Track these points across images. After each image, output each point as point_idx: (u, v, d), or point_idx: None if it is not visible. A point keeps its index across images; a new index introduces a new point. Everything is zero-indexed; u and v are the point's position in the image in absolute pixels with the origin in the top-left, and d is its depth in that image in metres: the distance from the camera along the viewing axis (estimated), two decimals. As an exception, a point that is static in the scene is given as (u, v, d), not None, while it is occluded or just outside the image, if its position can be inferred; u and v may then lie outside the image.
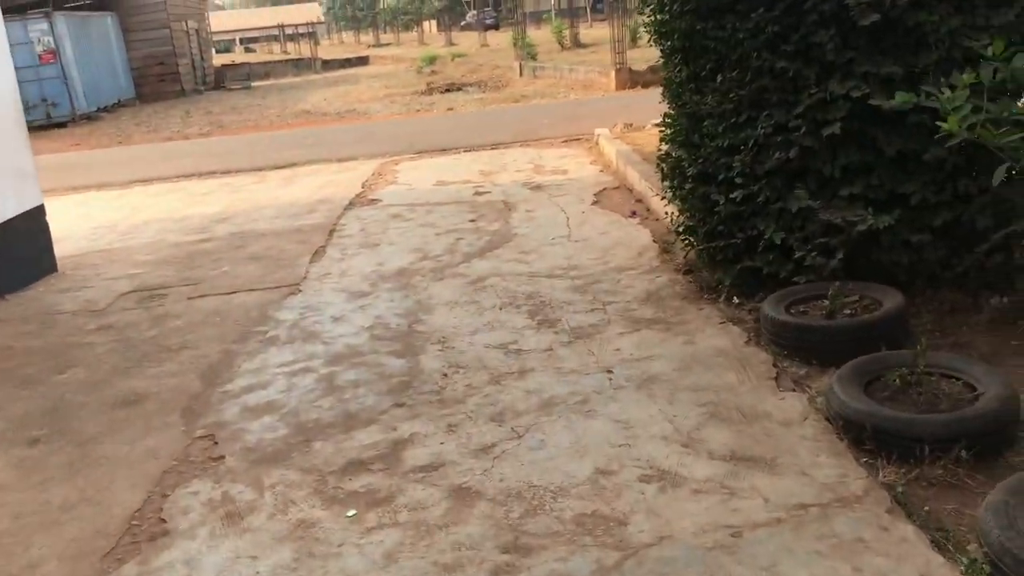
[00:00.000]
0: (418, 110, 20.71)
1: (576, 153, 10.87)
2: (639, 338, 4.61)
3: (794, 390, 3.82)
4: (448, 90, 25.45)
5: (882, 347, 3.77)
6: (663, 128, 5.62)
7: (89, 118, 26.03)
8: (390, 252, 6.88)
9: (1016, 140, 3.51)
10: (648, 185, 7.55)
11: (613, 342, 4.58)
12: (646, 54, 24.74)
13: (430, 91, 25.32)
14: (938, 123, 3.53)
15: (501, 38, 44.63)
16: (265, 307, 5.74)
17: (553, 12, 45.91)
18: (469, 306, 5.39)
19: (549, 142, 11.98)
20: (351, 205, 8.84)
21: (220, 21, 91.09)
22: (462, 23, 75.22)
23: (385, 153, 12.22)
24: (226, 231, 8.23)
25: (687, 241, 5.36)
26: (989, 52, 3.53)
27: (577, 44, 30.29)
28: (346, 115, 20.91)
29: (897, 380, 3.43)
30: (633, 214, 7.35)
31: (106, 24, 29.58)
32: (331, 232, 7.68)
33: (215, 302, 5.98)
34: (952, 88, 3.54)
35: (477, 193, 8.89)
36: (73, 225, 9.38)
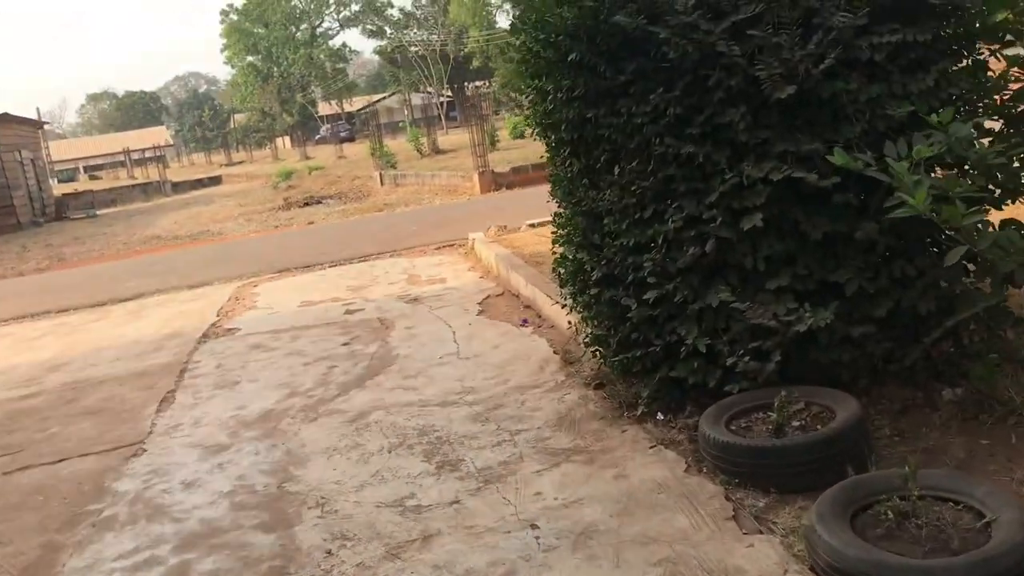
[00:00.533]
0: (276, 226, 19.82)
1: (452, 260, 10.24)
2: (561, 475, 3.88)
3: (760, 531, 3.15)
4: (307, 203, 24.71)
5: (847, 466, 3.20)
6: (555, 229, 5.04)
7: (-89, 261, 23.76)
8: (252, 391, 5.95)
9: (974, 221, 3.07)
10: (537, 290, 6.96)
11: (531, 484, 3.83)
12: (507, 155, 24.82)
13: (288, 206, 24.50)
14: (897, 195, 3.05)
15: (358, 149, 44.43)
16: (101, 476, 4.70)
17: (408, 122, 46.24)
18: (351, 452, 4.54)
19: (421, 250, 11.34)
20: (205, 338, 7.84)
21: (61, 149, 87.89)
22: (316, 137, 75.10)
23: (243, 275, 11.25)
24: (58, 381, 7.08)
25: (596, 352, 4.73)
26: (934, 119, 3.11)
27: (436, 151, 30.24)
28: (199, 237, 19.75)
29: (890, 512, 2.82)
30: (524, 322, 6.70)
31: (-73, 158, 27.49)
32: (182, 372, 6.66)
33: (38, 475, 4.89)
34: (901, 158, 3.08)
35: (348, 312, 8.08)
36: None
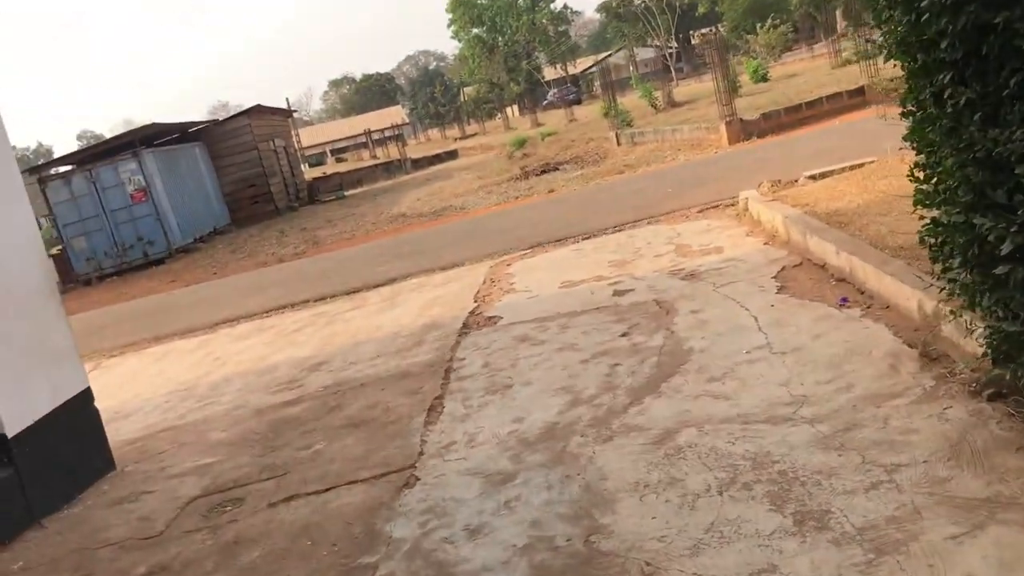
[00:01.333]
0: (517, 197, 19.29)
1: (722, 224, 9.01)
2: (995, 547, 2.68)
3: None
4: (544, 171, 24.09)
5: None
6: (919, 183, 3.75)
7: (186, 251, 25.68)
8: (528, 397, 5.12)
9: None
10: (856, 259, 5.62)
11: (952, 560, 2.66)
12: (753, 102, 22.86)
13: (525, 175, 24.00)
14: None
15: (587, 111, 43.53)
16: (372, 515, 4.03)
17: (635, 77, 44.56)
18: (668, 491, 3.56)
19: (682, 214, 10.18)
20: (466, 328, 7.18)
21: (309, 135, 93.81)
22: (543, 103, 75.05)
23: (493, 253, 10.63)
24: (319, 383, 6.66)
25: (1001, 352, 3.43)
26: None
27: (671, 104, 28.67)
28: (443, 213, 19.64)
29: None
30: (844, 302, 5.42)
31: (194, 154, 29.60)
32: (447, 373, 5.99)
33: (305, 511, 4.31)
34: None
35: (617, 293, 7.11)
36: (146, 391, 8.03)
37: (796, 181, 9.68)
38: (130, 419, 7.13)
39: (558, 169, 24.12)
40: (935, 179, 3.63)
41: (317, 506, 4.31)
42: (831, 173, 9.50)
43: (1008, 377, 3.47)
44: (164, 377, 8.53)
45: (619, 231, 10.18)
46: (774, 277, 6.42)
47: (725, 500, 3.36)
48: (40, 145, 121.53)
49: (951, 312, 3.85)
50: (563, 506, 3.66)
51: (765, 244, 7.58)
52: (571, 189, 17.71)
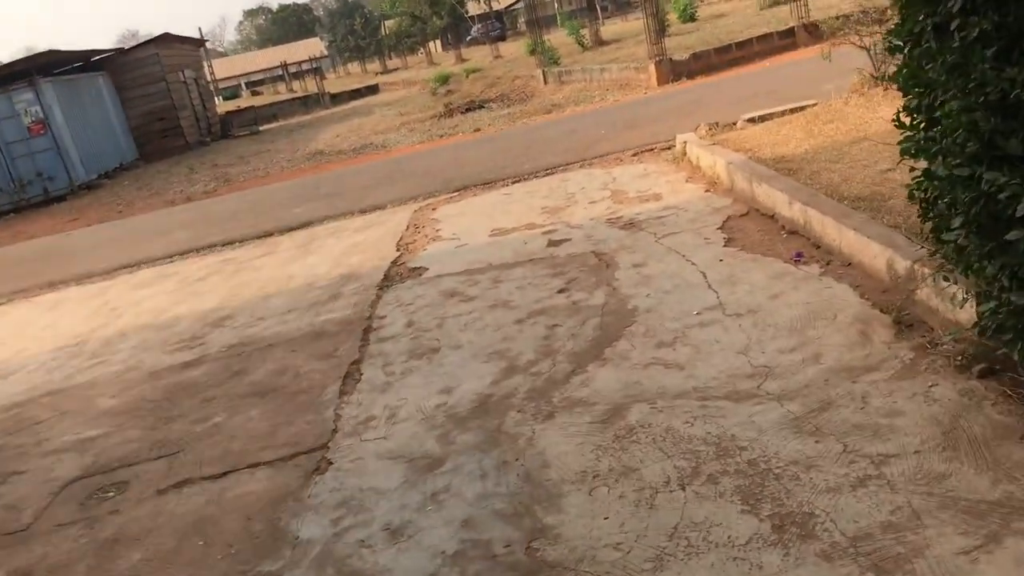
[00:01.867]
0: (441, 136, 18.53)
1: (660, 169, 8.52)
2: (1011, 561, 2.27)
3: None
4: (469, 109, 23.28)
5: None
6: (908, 130, 3.28)
7: (89, 187, 24.15)
8: (457, 363, 4.58)
9: None
10: (812, 211, 5.18)
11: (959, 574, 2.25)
12: (682, 42, 22.35)
13: (450, 112, 23.17)
14: None
15: (513, 48, 42.52)
16: (276, 509, 3.47)
17: (558, 16, 43.63)
18: (622, 483, 3.08)
19: (616, 158, 9.66)
20: (388, 281, 6.57)
21: (223, 67, 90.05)
22: (467, 39, 73.34)
23: (417, 196, 9.97)
24: (223, 341, 6.00)
25: (999, 326, 3.01)
26: None
27: (599, 42, 27.95)
28: (363, 151, 18.77)
29: None
30: (798, 257, 5.00)
31: (98, 85, 27.77)
32: (366, 333, 5.39)
33: (198, 500, 3.71)
34: None
35: (552, 243, 6.59)
36: (32, 347, 7.23)
37: (735, 124, 9.25)
38: (9, 380, 6.37)
39: (483, 107, 23.35)
40: (929, 125, 3.16)
41: (213, 495, 3.71)
42: (771, 116, 9.10)
43: (1007, 353, 3.06)
44: (54, 330, 7.72)
45: (551, 174, 9.62)
46: (719, 228, 5.98)
47: (689, 497, 2.90)
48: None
49: (935, 276, 3.43)
50: (500, 500, 3.15)
51: (707, 192, 7.13)
52: (499, 129, 17.03)
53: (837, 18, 9.35)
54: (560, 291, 5.37)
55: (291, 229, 9.87)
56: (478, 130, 18.11)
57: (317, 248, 8.50)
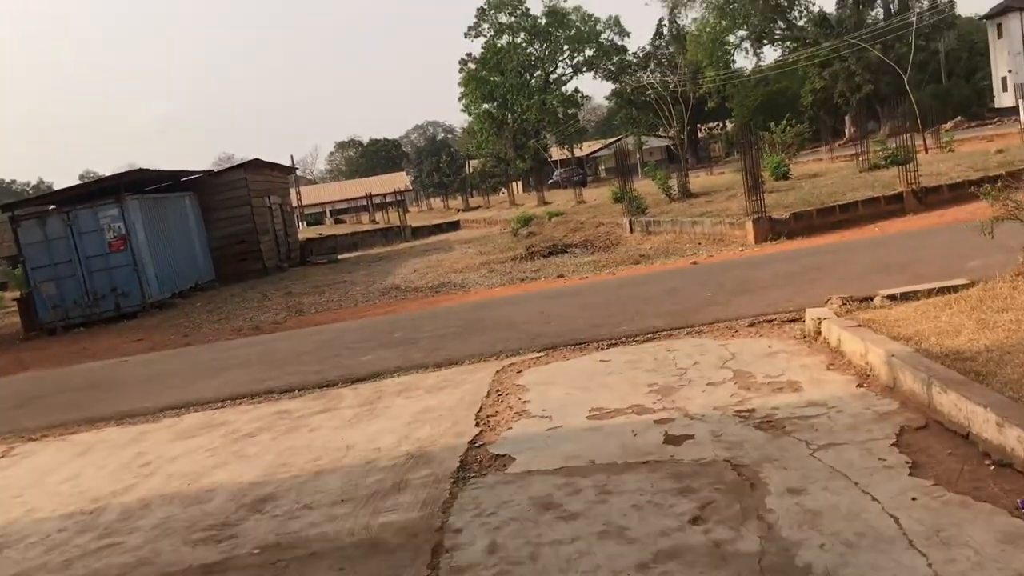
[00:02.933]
0: (523, 280, 17.68)
1: (788, 348, 7.27)
2: None
3: None
4: (551, 253, 22.56)
5: None
6: None
7: (161, 306, 23.88)
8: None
9: None
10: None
11: None
12: (778, 199, 21.33)
13: (531, 255, 22.46)
14: None
15: (595, 194, 42.37)
16: None
17: (649, 166, 43.48)
18: None
19: (729, 328, 8.45)
20: (465, 469, 5.37)
21: (311, 194, 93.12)
22: (549, 182, 74.41)
23: (499, 352, 8.88)
24: (257, 537, 4.82)
25: None
26: None
27: (686, 194, 27.24)
28: (440, 290, 17.98)
29: None
30: (1030, 508, 3.66)
31: (183, 205, 28.03)
32: (435, 554, 4.15)
33: None
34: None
35: (670, 440, 5.33)
36: (45, 506, 6.18)
37: (872, 300, 8.00)
38: (2, 554, 5.28)
39: (567, 252, 22.61)
40: None
41: None
42: (915, 295, 7.83)
43: None
44: (75, 484, 6.68)
45: (653, 340, 8.45)
46: (894, 444, 4.67)
47: None
48: (41, 182, 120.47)
49: None
50: None
51: (859, 387, 5.84)
52: (583, 276, 16.08)
53: (996, 184, 8.16)
54: (693, 520, 4.08)
55: (357, 380, 8.83)
56: (561, 276, 17.21)
57: (383, 410, 7.39)
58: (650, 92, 51.64)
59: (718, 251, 17.16)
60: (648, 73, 57.03)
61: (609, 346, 8.50)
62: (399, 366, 9.10)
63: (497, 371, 8.10)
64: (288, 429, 7.31)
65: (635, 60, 64.48)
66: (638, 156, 73.20)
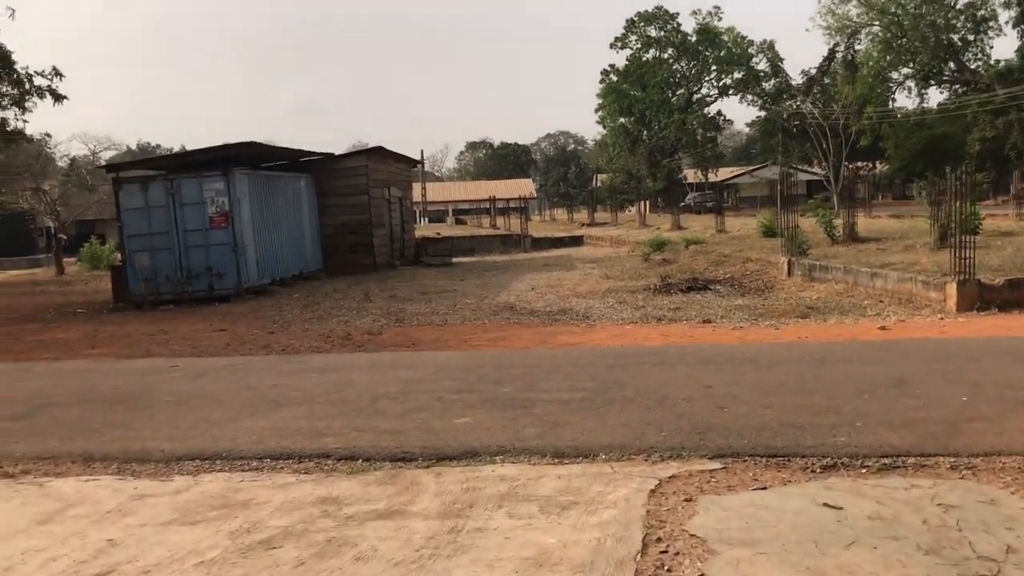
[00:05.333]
0: (660, 320, 14.75)
1: None
2: None
3: None
4: (691, 288, 19.44)
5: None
6: None
7: (258, 292, 22.01)
8: None
9: None
10: None
11: None
12: (983, 258, 17.25)
13: (667, 287, 19.41)
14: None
15: (738, 223, 38.84)
16: None
17: (816, 200, 39.53)
18: None
19: (1013, 469, 5.39)
20: None
21: (435, 191, 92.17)
22: (680, 204, 70.86)
23: (651, 449, 6.07)
24: None
25: None
26: None
27: (854, 238, 23.66)
28: (560, 318, 15.25)
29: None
30: None
31: (298, 187, 26.20)
32: None
33: None
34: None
35: None
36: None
37: None
38: None
39: (709, 288, 19.47)
40: None
41: None
42: None
43: None
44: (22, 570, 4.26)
45: (897, 471, 5.45)
46: None
47: None
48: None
49: None
50: None
51: None
52: (740, 328, 13.04)
53: None
54: None
55: (444, 459, 6.17)
56: (708, 322, 14.22)
57: (473, 538, 4.68)
58: (809, 121, 47.62)
59: (908, 315, 13.84)
60: (809, 101, 52.88)
61: (824, 469, 5.56)
62: (504, 445, 6.39)
63: (652, 490, 5.28)
64: (325, 545, 4.70)
65: (796, 86, 60.20)
66: (778, 186, 68.89)
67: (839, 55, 53.83)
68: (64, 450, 6.98)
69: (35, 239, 44.57)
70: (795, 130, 56.33)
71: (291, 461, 6.42)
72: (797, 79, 61.43)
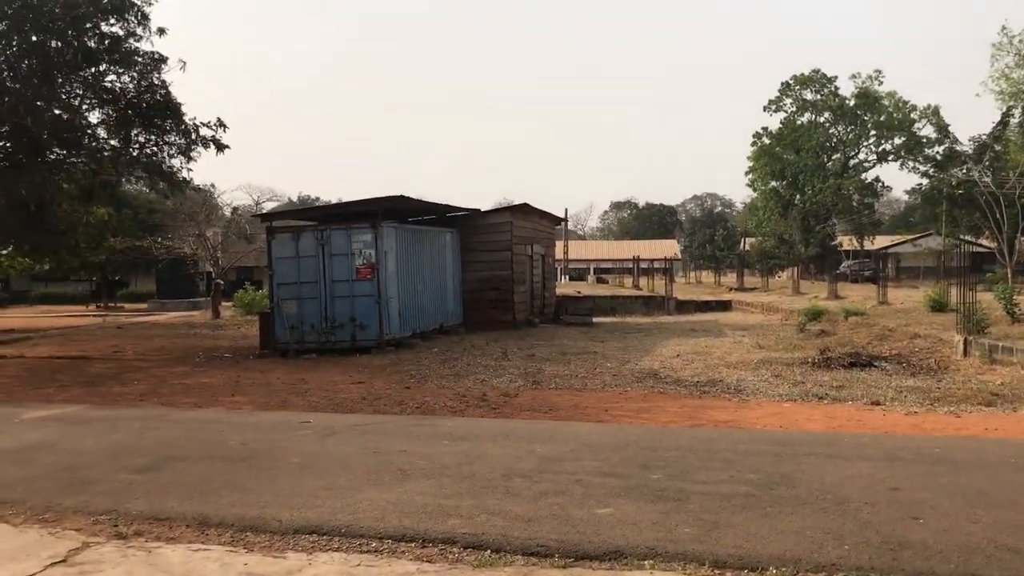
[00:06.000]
0: (821, 397, 13.46)
1: None
2: None
3: None
4: (854, 364, 17.87)
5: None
6: None
7: (398, 345, 21.88)
8: None
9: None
10: None
11: None
12: None
13: (827, 362, 17.91)
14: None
15: (901, 295, 36.35)
16: None
17: (1007, 273, 36.62)
18: None
19: None
20: None
21: (578, 249, 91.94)
22: (835, 272, 67.71)
23: (831, 565, 5.05)
24: None
25: None
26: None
27: (1040, 316, 21.41)
28: (709, 390, 14.19)
29: None
30: None
31: (443, 241, 26.19)
32: None
33: None
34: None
35: None
36: None
37: None
38: None
39: (873, 365, 17.86)
40: None
41: None
42: None
43: None
44: None
45: None
46: None
47: None
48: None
49: None
50: None
51: None
52: (913, 413, 11.65)
53: None
54: None
55: (583, 558, 5.37)
56: (877, 403, 12.83)
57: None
58: (980, 189, 44.53)
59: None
60: (980, 168, 49.59)
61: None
62: (654, 546, 5.52)
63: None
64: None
65: (966, 152, 56.75)
66: (941, 259, 64.75)
67: (1014, 120, 50.31)
68: (180, 511, 6.59)
69: (196, 283, 46.76)
70: (962, 199, 52.82)
71: (413, 545, 5.76)
72: (966, 145, 57.85)
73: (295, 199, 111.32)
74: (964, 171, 52.02)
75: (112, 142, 23.40)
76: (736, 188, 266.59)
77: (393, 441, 9.04)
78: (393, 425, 10.24)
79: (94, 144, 23.45)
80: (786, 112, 72.93)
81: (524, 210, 29.48)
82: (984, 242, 57.76)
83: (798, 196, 71.91)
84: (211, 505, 6.72)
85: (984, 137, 54.28)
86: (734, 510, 6.24)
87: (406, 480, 7.32)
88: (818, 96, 72.38)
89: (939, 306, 25.81)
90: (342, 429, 9.90)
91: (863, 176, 72.82)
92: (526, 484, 7.09)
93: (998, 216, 44.60)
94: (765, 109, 73.40)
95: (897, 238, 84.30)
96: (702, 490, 6.80)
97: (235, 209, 48.43)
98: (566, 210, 79.61)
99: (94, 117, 23.50)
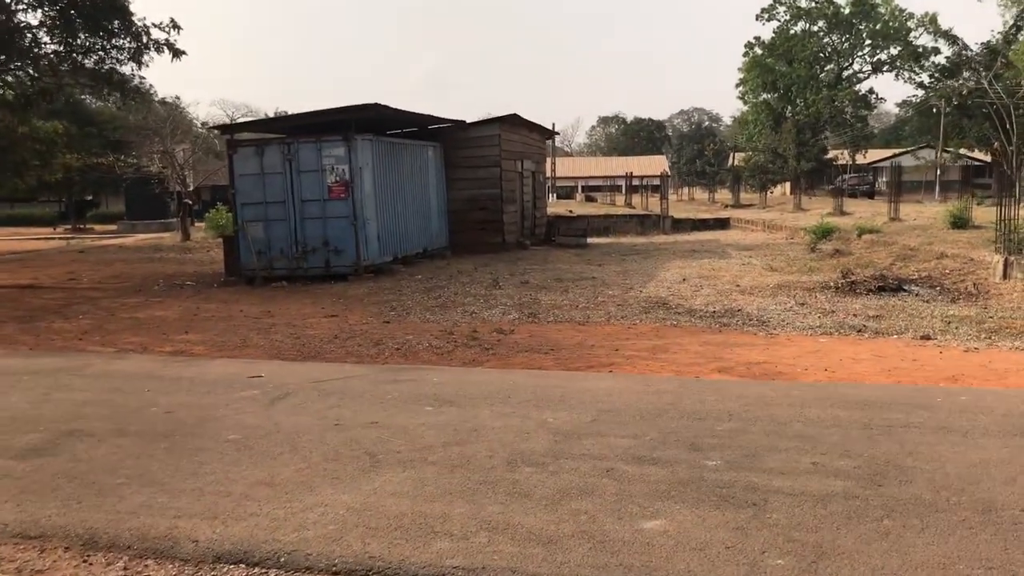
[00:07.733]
0: (859, 330, 11.70)
1: None
2: None
3: None
4: (882, 288, 16.09)
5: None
6: None
7: (377, 271, 19.91)
8: None
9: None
10: None
11: None
12: None
13: (850, 285, 16.12)
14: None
15: (913, 210, 34.45)
16: None
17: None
18: None
19: None
20: None
21: (565, 166, 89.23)
22: (829, 187, 65.73)
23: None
24: None
25: None
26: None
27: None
28: (729, 322, 12.40)
29: None
30: None
31: (426, 156, 23.97)
32: None
33: None
34: None
35: None
36: None
37: None
38: None
39: (903, 289, 16.06)
40: None
41: None
42: None
43: None
44: None
45: None
46: None
47: None
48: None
49: None
50: None
51: None
52: (974, 350, 9.89)
53: None
54: None
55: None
56: (927, 338, 11.07)
57: None
58: (991, 97, 42.26)
59: None
60: (991, 75, 47.19)
61: None
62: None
63: None
64: None
65: (975, 57, 54.21)
66: (937, 172, 62.89)
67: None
68: (62, 524, 4.72)
69: (167, 203, 44.30)
70: (972, 108, 50.53)
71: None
72: (975, 50, 55.21)
73: (272, 115, 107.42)
74: (974, 78, 49.65)
75: (53, 46, 20.90)
76: (724, 102, 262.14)
77: (362, 407, 7.12)
78: (364, 382, 8.30)
79: (33, 48, 20.95)
80: (779, 21, 69.84)
81: (513, 122, 27.16)
82: (977, 154, 55.81)
83: (789, 108, 69.60)
84: (106, 512, 4.86)
85: (993, 42, 51.82)
86: (837, 524, 4.40)
87: (376, 470, 5.44)
88: (812, 3, 69.27)
89: (961, 222, 23.98)
90: (299, 387, 7.96)
91: (856, 88, 70.35)
92: (538, 477, 5.22)
93: (1008, 126, 42.47)
94: (758, 18, 70.26)
95: (892, 151, 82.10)
96: (781, 486, 4.94)
97: (204, 123, 45.64)
98: (553, 124, 76.84)
99: (32, 18, 20.98)
